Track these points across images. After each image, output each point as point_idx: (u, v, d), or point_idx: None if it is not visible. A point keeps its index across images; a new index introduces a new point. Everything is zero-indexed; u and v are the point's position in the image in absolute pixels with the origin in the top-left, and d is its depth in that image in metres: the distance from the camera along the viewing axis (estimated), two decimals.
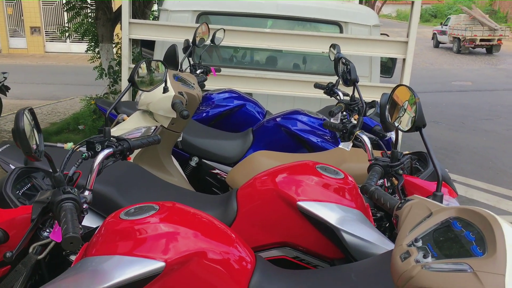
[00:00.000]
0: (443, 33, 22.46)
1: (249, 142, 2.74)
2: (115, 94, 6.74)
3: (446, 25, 22.45)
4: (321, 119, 2.73)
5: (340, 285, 1.34)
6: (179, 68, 2.73)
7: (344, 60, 2.32)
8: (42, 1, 19.73)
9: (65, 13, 19.82)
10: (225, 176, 2.53)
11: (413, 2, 3.94)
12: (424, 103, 6.30)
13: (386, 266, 1.09)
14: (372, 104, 2.64)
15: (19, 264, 1.29)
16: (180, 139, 2.59)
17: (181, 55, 2.89)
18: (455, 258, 0.85)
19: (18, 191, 1.49)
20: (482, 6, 45.13)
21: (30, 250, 1.28)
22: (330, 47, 2.89)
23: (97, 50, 8.83)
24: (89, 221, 1.65)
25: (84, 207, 1.35)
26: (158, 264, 1.23)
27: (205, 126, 2.98)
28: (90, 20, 9.06)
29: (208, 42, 3.32)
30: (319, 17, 4.32)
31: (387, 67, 4.74)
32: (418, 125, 1.37)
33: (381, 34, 4.44)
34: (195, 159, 2.76)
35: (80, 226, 1.17)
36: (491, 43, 20.17)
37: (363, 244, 1.59)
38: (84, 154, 1.46)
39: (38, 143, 1.20)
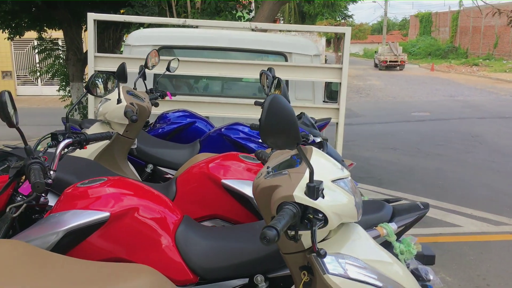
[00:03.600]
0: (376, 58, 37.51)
1: (196, 150, 3.20)
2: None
3: (376, 52, 38.54)
4: (258, 131, 3.21)
5: (243, 233, 1.78)
6: (134, 87, 3.20)
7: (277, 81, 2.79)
8: (13, 45, 20.06)
9: (37, 57, 20.21)
10: None
11: (344, 34, 4.54)
12: (385, 133, 7.01)
13: None
14: (299, 115, 3.15)
15: None
16: (135, 146, 3.03)
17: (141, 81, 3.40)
18: (282, 170, 1.32)
19: None
20: (444, 42, 47.42)
21: (7, 210, 1.68)
22: (267, 69, 3.29)
23: (67, 89, 9.21)
24: (53, 202, 2.05)
25: (49, 181, 1.77)
26: (105, 214, 1.65)
27: (158, 139, 3.43)
28: (60, 61, 9.48)
29: (163, 70, 3.81)
30: (267, 48, 4.86)
31: (334, 94, 5.29)
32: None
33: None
34: (150, 166, 3.20)
35: (46, 181, 1.59)
36: (396, 63, 34.68)
37: None
38: (49, 143, 1.88)
39: (15, 117, 1.63)
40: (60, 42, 9.87)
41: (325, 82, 4.98)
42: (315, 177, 1.22)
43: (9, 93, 1.59)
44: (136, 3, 6.67)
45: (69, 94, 8.91)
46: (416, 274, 1.64)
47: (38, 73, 10.17)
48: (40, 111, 15.76)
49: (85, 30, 9.23)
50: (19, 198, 1.73)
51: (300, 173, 1.25)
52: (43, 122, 13.11)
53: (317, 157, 1.33)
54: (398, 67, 34.50)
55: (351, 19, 43.45)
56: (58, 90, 9.72)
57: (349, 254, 1.30)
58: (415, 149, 9.06)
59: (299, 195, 1.21)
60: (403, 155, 8.56)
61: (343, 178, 1.33)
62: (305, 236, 1.28)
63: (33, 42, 19.52)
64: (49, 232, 1.62)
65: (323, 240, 1.32)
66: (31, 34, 9.63)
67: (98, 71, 4.55)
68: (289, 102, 1.82)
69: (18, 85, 20.80)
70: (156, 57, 3.44)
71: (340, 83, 4.60)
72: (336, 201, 1.26)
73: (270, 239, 1.06)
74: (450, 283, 3.79)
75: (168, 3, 7.15)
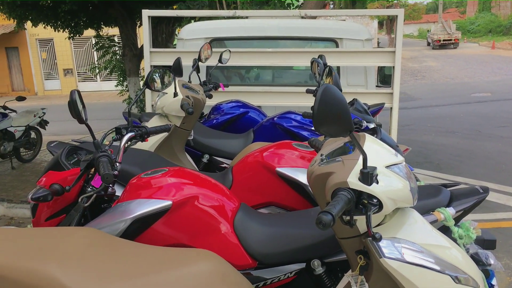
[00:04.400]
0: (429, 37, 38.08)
1: (250, 140, 3.27)
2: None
3: (429, 32, 39.55)
4: (310, 119, 3.23)
5: (299, 219, 1.83)
6: (189, 80, 3.31)
7: (328, 69, 2.80)
8: (73, 44, 21.02)
9: (95, 54, 21.09)
10: None
11: (397, 16, 4.44)
12: (443, 116, 6.82)
13: None
14: (352, 101, 3.15)
15: (72, 211, 1.83)
16: (192, 137, 3.14)
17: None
18: (336, 157, 1.35)
19: (68, 162, 2.05)
20: (505, 18, 45.08)
21: (79, 200, 1.82)
22: (318, 57, 3.29)
23: (125, 84, 9.57)
24: (120, 192, 2.19)
25: (115, 172, 1.89)
26: (167, 202, 1.75)
27: (213, 130, 3.54)
28: (117, 57, 9.86)
29: (215, 62, 3.91)
30: (317, 35, 4.85)
31: (388, 78, 5.20)
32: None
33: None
34: (206, 156, 3.31)
35: (113, 173, 1.71)
36: (450, 41, 34.71)
37: None
38: (113, 137, 2.01)
39: (84, 113, 1.76)
40: (116, 39, 10.23)
41: (378, 67, 4.91)
42: (369, 163, 1.24)
43: (78, 91, 1.71)
44: None
45: (127, 89, 9.26)
46: (476, 258, 1.62)
47: (97, 70, 10.60)
48: (99, 106, 16.48)
49: (140, 26, 9.54)
50: (89, 189, 1.86)
51: (353, 160, 1.28)
52: (103, 116, 13.72)
53: (370, 144, 1.35)
54: (452, 45, 34.73)
55: None
56: (116, 85, 10.11)
57: (405, 238, 1.31)
58: (475, 131, 8.72)
59: (353, 181, 1.24)
60: (463, 139, 8.26)
61: (397, 164, 1.34)
62: (360, 221, 1.30)
63: (91, 40, 20.45)
64: (117, 220, 1.74)
65: (379, 225, 1.34)
66: (89, 33, 10.05)
67: (155, 66, 4.75)
68: (341, 90, 1.85)
69: (78, 81, 21.84)
70: (208, 49, 3.53)
71: (394, 66, 4.51)
72: (391, 186, 1.28)
73: (325, 224, 1.10)
74: None
75: None
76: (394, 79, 4.53)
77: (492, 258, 1.61)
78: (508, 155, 6.97)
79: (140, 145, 2.52)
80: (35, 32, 19.64)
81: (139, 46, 8.84)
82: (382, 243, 1.28)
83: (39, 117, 8.00)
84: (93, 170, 1.86)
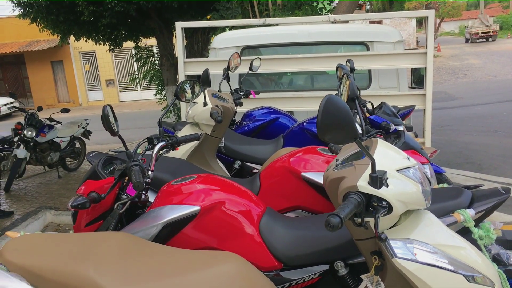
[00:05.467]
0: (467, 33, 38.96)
1: (280, 145, 3.34)
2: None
3: (466, 27, 40.22)
4: None
5: (323, 222, 1.88)
6: (218, 89, 3.43)
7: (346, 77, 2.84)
8: (114, 56, 21.71)
9: (135, 64, 21.69)
10: None
11: (427, 17, 4.41)
12: (484, 115, 6.67)
13: None
14: (380, 105, 3.17)
15: (108, 217, 1.97)
16: (223, 144, 3.25)
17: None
18: (349, 162, 1.41)
19: (105, 171, 2.19)
20: None
21: (115, 207, 1.95)
22: (346, 61, 3.33)
23: (163, 92, 9.84)
24: (153, 198, 2.31)
25: (147, 180, 2.01)
26: (196, 208, 1.85)
27: (244, 136, 3.64)
28: (156, 67, 10.15)
29: (247, 70, 4.01)
30: (348, 39, 4.88)
31: (423, 79, 5.16)
32: (351, 96, 1.89)
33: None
34: (238, 162, 3.41)
35: (145, 181, 1.83)
36: (488, 34, 35.56)
37: None
38: (146, 146, 2.14)
39: (116, 126, 1.89)
40: (154, 49, 10.55)
41: (412, 68, 4.88)
42: (380, 168, 1.30)
43: (110, 106, 1.84)
44: (221, 7, 6.96)
45: (165, 98, 9.52)
46: (497, 259, 1.63)
47: (137, 80, 10.94)
48: (140, 114, 16.92)
49: (176, 36, 9.80)
50: (124, 196, 1.99)
51: (364, 165, 1.33)
52: (143, 124, 14.08)
53: (382, 148, 1.40)
54: (490, 38, 35.93)
55: None
56: (155, 94, 10.39)
57: (418, 239, 1.35)
58: None
59: (363, 184, 1.30)
60: (506, 138, 8.02)
61: (409, 168, 1.38)
62: (373, 223, 1.36)
63: (131, 51, 21.08)
64: (150, 225, 1.86)
65: (393, 226, 1.39)
66: (128, 44, 10.39)
67: (189, 76, 4.90)
68: (358, 95, 1.90)
69: (120, 91, 22.52)
70: (237, 58, 3.64)
71: (426, 68, 4.48)
72: (401, 189, 1.32)
73: (333, 226, 1.17)
74: None
75: (250, 3, 7.36)
76: (426, 80, 4.49)
77: None
78: None
79: (172, 154, 2.64)
80: (78, 45, 20.45)
81: (176, 56, 9.10)
82: (395, 244, 1.33)
83: (83, 127, 8.35)
84: (126, 178, 1.99)
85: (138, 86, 21.45)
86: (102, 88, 22.45)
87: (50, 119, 7.71)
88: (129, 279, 1.42)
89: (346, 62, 3.29)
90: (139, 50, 10.11)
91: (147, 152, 2.26)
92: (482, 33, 35.84)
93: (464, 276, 1.32)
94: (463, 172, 6.21)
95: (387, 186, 1.29)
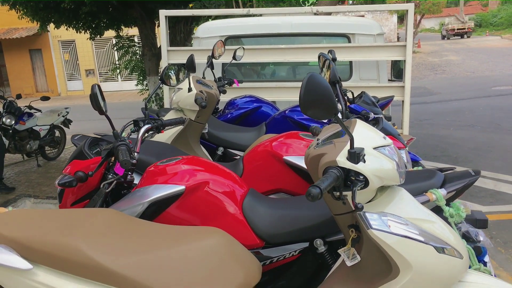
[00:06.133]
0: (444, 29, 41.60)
1: (263, 133, 3.41)
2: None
3: (443, 24, 42.81)
4: None
5: (303, 202, 1.97)
6: (203, 76, 3.48)
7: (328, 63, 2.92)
8: (94, 45, 21.45)
9: (116, 54, 21.46)
10: None
11: (407, 11, 4.52)
12: (462, 110, 6.83)
13: None
14: (360, 94, 3.26)
15: (95, 196, 2.01)
16: (207, 131, 3.31)
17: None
18: (329, 140, 1.49)
19: (91, 152, 2.23)
20: None
21: (101, 186, 1.99)
22: (327, 52, 3.41)
23: (145, 83, 9.81)
24: (137, 180, 2.36)
25: (133, 161, 2.05)
26: (181, 187, 1.90)
27: (227, 124, 3.70)
28: (137, 57, 10.09)
29: (230, 59, 4.06)
30: (330, 31, 4.95)
31: (402, 72, 5.28)
32: (332, 80, 1.97)
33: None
34: (221, 149, 3.48)
35: (132, 161, 1.87)
36: (464, 30, 38.34)
37: None
38: (132, 129, 2.18)
39: (104, 105, 1.93)
40: (136, 39, 10.47)
41: (392, 61, 4.98)
42: (358, 145, 1.37)
43: (99, 86, 1.88)
44: None
45: (147, 88, 9.49)
46: (467, 236, 1.73)
47: (118, 70, 10.86)
48: (121, 105, 16.77)
49: (158, 26, 9.75)
50: (110, 176, 2.04)
51: (343, 142, 1.41)
52: (124, 115, 13.92)
53: (361, 128, 1.48)
54: (465, 35, 38.57)
55: None
56: (136, 85, 10.35)
57: (392, 213, 1.44)
58: (495, 125, 8.66)
59: (342, 160, 1.38)
60: (482, 132, 8.22)
61: (385, 146, 1.47)
62: (350, 198, 1.44)
63: (112, 41, 20.84)
64: (136, 203, 1.91)
65: (370, 201, 1.47)
66: (109, 33, 10.30)
67: (170, 63, 4.92)
68: (338, 81, 1.98)
69: (100, 81, 22.25)
70: (221, 47, 3.69)
71: (405, 60, 4.59)
72: (377, 165, 1.40)
73: (314, 196, 1.25)
74: None
75: None
76: (405, 73, 4.61)
77: (482, 235, 1.73)
78: None
79: (157, 138, 2.69)
80: (58, 34, 20.13)
81: (158, 46, 9.07)
82: (371, 216, 1.41)
83: (63, 116, 8.28)
84: (113, 158, 2.03)
85: (119, 76, 21.26)
86: (82, 78, 22.17)
87: (30, 107, 7.63)
88: (117, 251, 1.47)
89: (328, 53, 3.36)
90: (120, 40, 10.03)
91: (132, 135, 2.30)
92: (457, 29, 38.71)
93: (434, 247, 1.41)
94: (439, 165, 6.36)
95: (364, 161, 1.37)
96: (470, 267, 1.65)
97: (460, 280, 1.48)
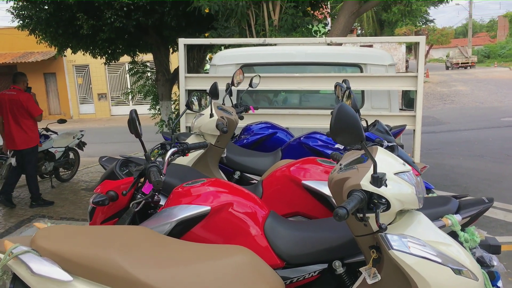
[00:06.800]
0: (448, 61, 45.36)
1: (278, 158, 3.52)
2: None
3: (447, 56, 46.37)
4: None
5: (322, 225, 2.06)
6: (222, 102, 3.61)
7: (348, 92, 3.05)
8: (107, 69, 21.85)
9: (128, 79, 21.81)
10: None
11: (418, 43, 4.66)
12: (471, 140, 6.91)
13: None
14: (374, 123, 3.37)
15: (124, 214, 2.12)
16: (225, 155, 3.42)
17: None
18: (352, 165, 1.59)
19: (121, 173, 2.35)
20: None
21: (130, 206, 2.10)
22: (342, 81, 3.53)
23: (157, 107, 9.99)
24: (163, 202, 2.46)
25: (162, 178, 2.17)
26: (206, 208, 2.00)
27: (244, 149, 3.81)
28: (151, 82, 10.32)
29: (246, 86, 4.20)
30: (343, 61, 5.11)
31: (412, 102, 5.39)
32: (354, 108, 2.07)
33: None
34: (238, 173, 3.58)
35: (160, 179, 1.98)
36: (467, 64, 41.57)
37: None
38: (159, 151, 2.29)
39: (139, 129, 2.05)
40: (148, 65, 10.71)
41: (403, 91, 5.11)
42: (380, 170, 1.48)
43: (136, 111, 2.01)
44: (219, 26, 7.18)
45: (159, 112, 9.66)
46: (481, 261, 1.81)
47: (131, 94, 11.07)
48: None
49: (172, 52, 10.01)
50: (138, 196, 2.14)
51: (366, 167, 1.52)
52: (136, 139, 14.19)
53: (382, 155, 1.59)
54: (469, 67, 41.81)
55: (432, 23, 42.38)
56: (149, 109, 10.52)
57: (412, 235, 1.53)
58: (504, 155, 8.70)
59: (365, 183, 1.48)
60: (491, 162, 8.26)
61: (404, 172, 1.57)
62: (372, 220, 1.53)
63: (125, 66, 21.23)
64: (163, 222, 2.01)
65: (390, 224, 1.56)
66: (122, 59, 10.56)
67: (189, 90, 5.08)
68: (358, 109, 2.09)
69: (112, 105, 22.59)
70: (240, 74, 3.83)
71: (416, 90, 4.71)
72: (398, 189, 1.50)
73: (341, 216, 1.34)
74: None
75: (247, 23, 7.60)
76: (416, 102, 4.72)
77: (495, 260, 1.80)
78: None
79: (178, 161, 2.80)
80: (72, 58, 20.55)
81: (171, 72, 9.29)
82: (392, 238, 1.51)
83: (78, 138, 8.44)
84: (142, 179, 2.14)
85: (131, 100, 21.59)
86: (94, 102, 22.52)
87: (47, 129, 7.80)
88: (149, 265, 1.56)
89: (343, 82, 3.47)
90: (135, 65, 10.28)
91: (158, 158, 2.41)
92: (462, 63, 42.06)
93: (452, 269, 1.50)
94: (450, 194, 6.37)
95: (386, 186, 1.47)
96: None
97: None
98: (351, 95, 2.05)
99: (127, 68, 21.52)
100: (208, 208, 2.01)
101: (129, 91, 10.81)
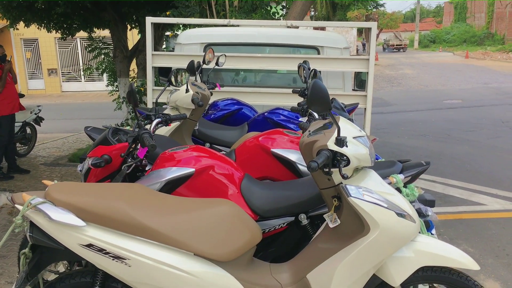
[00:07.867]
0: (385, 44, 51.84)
1: (245, 131, 3.86)
2: (134, 119, 7.78)
3: (385, 40, 52.79)
4: (296, 113, 3.83)
5: (289, 185, 2.42)
6: (195, 79, 3.89)
7: (314, 71, 3.36)
8: (58, 44, 21.23)
9: (80, 55, 21.28)
10: None
11: (370, 28, 5.08)
12: (415, 120, 7.52)
13: None
14: (331, 100, 3.75)
15: (117, 176, 2.39)
16: (197, 127, 3.72)
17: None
18: (319, 131, 1.95)
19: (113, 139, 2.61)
20: (479, 29, 46.66)
21: (122, 168, 2.38)
22: (302, 63, 3.88)
23: (115, 84, 9.98)
24: (148, 167, 2.74)
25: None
26: (191, 170, 2.32)
27: (214, 123, 4.12)
28: (109, 58, 10.25)
29: (213, 65, 4.47)
30: (301, 43, 5.45)
31: (363, 83, 5.83)
32: None
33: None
34: (207, 144, 3.90)
35: (154, 143, 2.26)
36: (401, 46, 48.33)
37: None
38: (145, 121, 2.57)
39: (137, 100, 2.32)
40: (105, 41, 10.58)
41: (355, 72, 5.52)
42: (342, 134, 1.85)
43: (133, 84, 2.27)
44: (180, 4, 7.30)
45: (117, 89, 9.66)
46: (418, 212, 2.23)
47: (89, 71, 10.95)
48: (84, 106, 16.62)
49: (130, 29, 9.95)
50: (129, 160, 2.42)
51: (331, 132, 1.88)
52: (88, 115, 13.88)
53: (343, 123, 1.96)
54: (402, 49, 48.49)
55: (382, 8, 43.42)
56: (107, 85, 10.47)
57: (365, 186, 1.92)
58: (445, 135, 9.32)
59: (331, 144, 1.84)
60: (433, 141, 8.85)
61: (361, 136, 1.95)
62: (335, 175, 1.90)
63: (77, 41, 20.69)
64: (153, 182, 2.30)
65: (348, 178, 1.94)
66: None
67: (155, 67, 5.29)
68: None
69: (62, 81, 22.01)
70: (211, 53, 4.10)
71: (367, 72, 5.14)
72: (356, 150, 1.88)
73: (313, 168, 1.71)
74: (472, 253, 4.09)
75: (208, 3, 7.75)
76: (367, 83, 5.16)
77: (430, 211, 2.25)
78: (473, 156, 7.58)
79: (157, 132, 3.07)
80: (20, 31, 19.77)
81: (129, 49, 9.27)
82: (350, 188, 1.89)
83: (35, 113, 8.39)
84: (133, 145, 2.41)
85: (82, 77, 21.13)
86: (44, 77, 21.87)
87: None
88: (152, 213, 1.87)
89: (303, 63, 3.82)
90: (93, 42, 10.16)
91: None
92: (396, 45, 48.54)
93: (396, 213, 1.91)
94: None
95: (347, 146, 1.85)
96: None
97: (412, 240, 1.98)
98: (316, 73, 2.40)
99: (79, 44, 21.07)
100: (193, 170, 2.31)
101: (87, 67, 10.68)
